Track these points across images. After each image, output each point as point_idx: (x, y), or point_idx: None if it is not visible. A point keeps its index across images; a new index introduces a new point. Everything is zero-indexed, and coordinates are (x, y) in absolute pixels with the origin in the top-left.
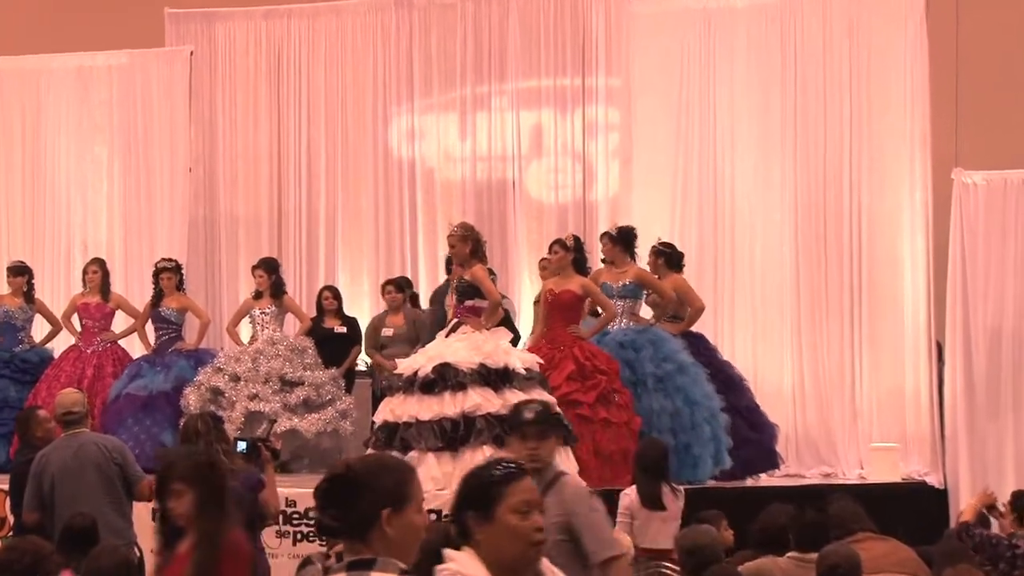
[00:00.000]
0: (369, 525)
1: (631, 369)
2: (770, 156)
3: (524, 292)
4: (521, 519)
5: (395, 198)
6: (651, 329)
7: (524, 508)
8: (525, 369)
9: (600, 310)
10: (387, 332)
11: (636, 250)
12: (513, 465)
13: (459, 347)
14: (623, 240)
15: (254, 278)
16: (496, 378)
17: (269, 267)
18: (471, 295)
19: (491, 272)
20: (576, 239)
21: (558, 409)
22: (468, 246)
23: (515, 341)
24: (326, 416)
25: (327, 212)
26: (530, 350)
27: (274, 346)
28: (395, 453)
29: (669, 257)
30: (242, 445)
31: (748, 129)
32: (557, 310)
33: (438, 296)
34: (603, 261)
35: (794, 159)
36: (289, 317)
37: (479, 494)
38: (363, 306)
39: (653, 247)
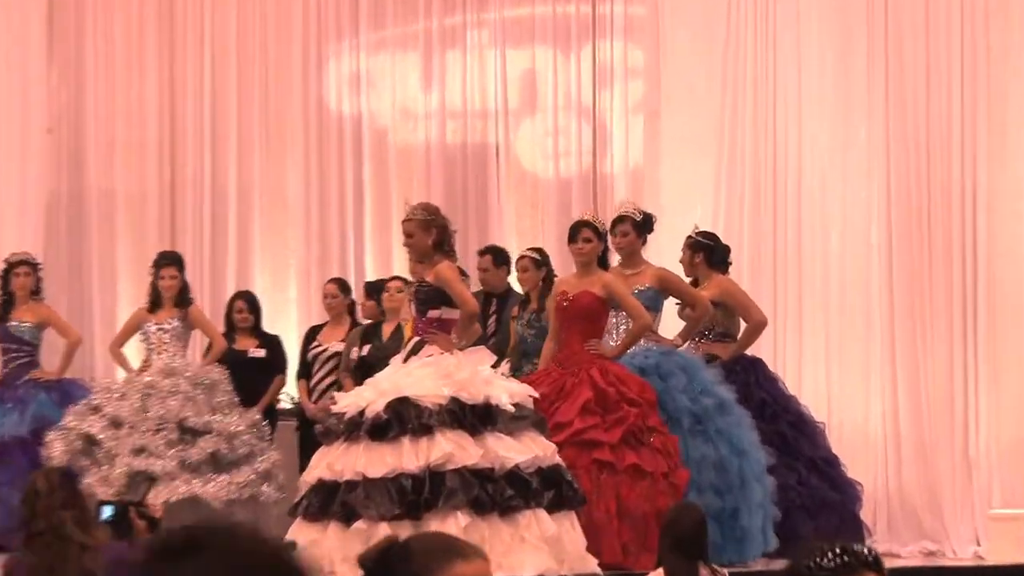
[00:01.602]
0: None
1: (658, 404)
2: (852, 114)
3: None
4: None
5: (333, 170)
6: (678, 352)
7: None
8: (514, 405)
9: (614, 321)
10: (353, 354)
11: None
12: (851, 555)
13: (422, 376)
14: (648, 228)
15: (159, 280)
16: (474, 418)
17: (181, 264)
18: (436, 302)
19: (463, 273)
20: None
21: (558, 460)
22: (430, 236)
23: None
24: (240, 478)
25: (239, 189)
26: (535, 377)
27: (171, 379)
28: (334, 524)
29: (711, 252)
30: (108, 511)
31: (821, 77)
32: (572, 319)
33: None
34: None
35: (885, 119)
36: (196, 336)
37: None
38: (288, 319)
39: (689, 238)
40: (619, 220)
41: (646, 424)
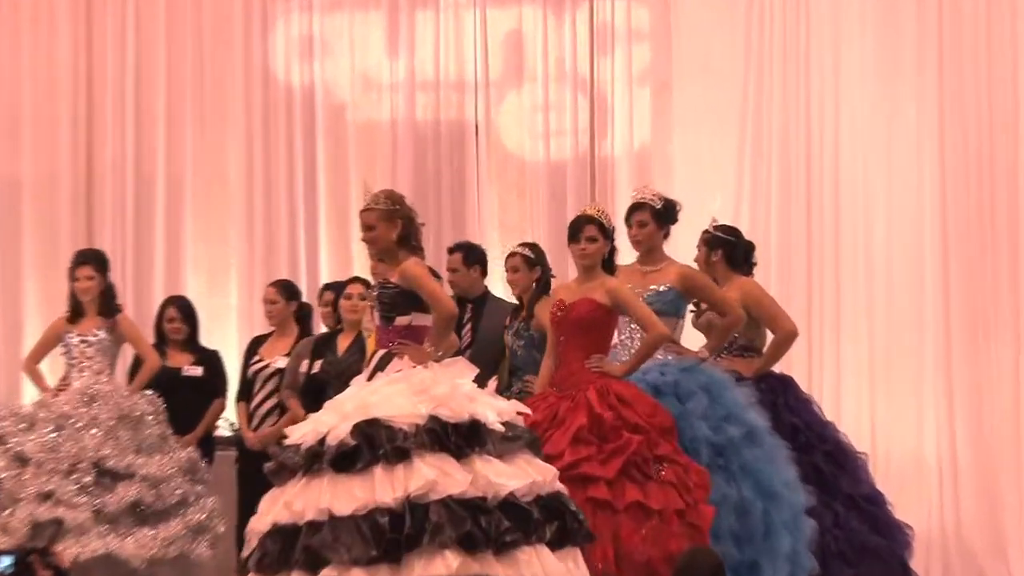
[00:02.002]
0: None
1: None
2: (899, 84)
3: None
4: None
5: (282, 151)
6: (702, 368)
7: None
8: (504, 423)
9: (628, 334)
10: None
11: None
12: None
13: (392, 393)
14: (670, 218)
15: (74, 282)
16: (459, 439)
17: (102, 263)
18: (403, 307)
19: (434, 274)
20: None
21: (559, 486)
22: (394, 229)
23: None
24: (167, 533)
25: (169, 174)
26: (529, 403)
27: (90, 407)
28: (296, 574)
29: (731, 249)
30: (6, 561)
31: (863, 39)
32: (570, 333)
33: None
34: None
35: (938, 89)
36: (125, 349)
37: None
38: (229, 329)
39: (705, 233)
40: (636, 208)
41: (653, 453)
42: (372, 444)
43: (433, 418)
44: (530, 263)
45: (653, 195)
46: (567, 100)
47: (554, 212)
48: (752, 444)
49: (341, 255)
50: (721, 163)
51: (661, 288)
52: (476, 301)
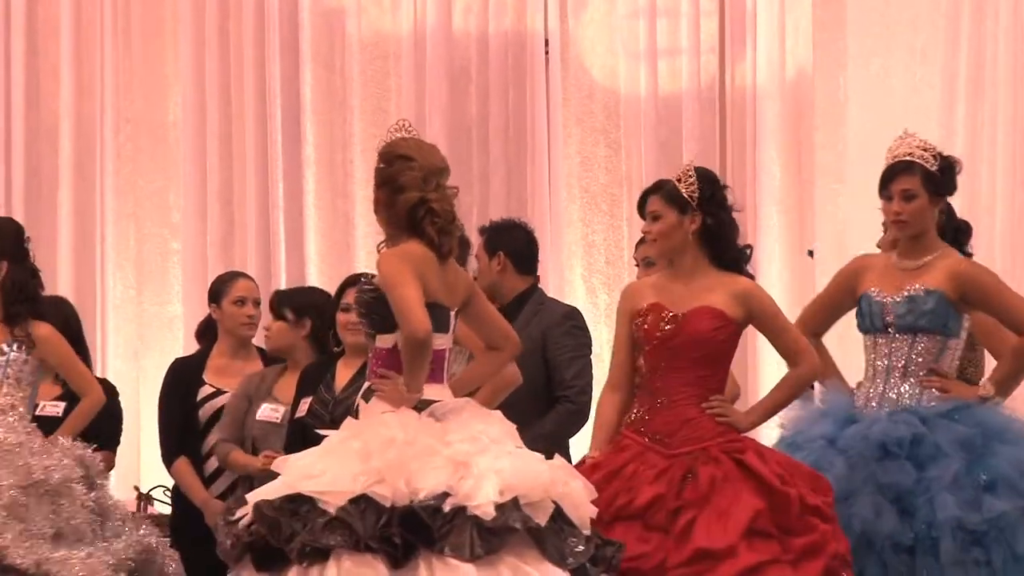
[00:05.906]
0: None
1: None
2: None
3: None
4: None
5: (248, 78)
6: (975, 412)
7: None
8: (501, 506)
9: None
10: (271, 413)
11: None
12: None
13: (345, 454)
14: (947, 187)
15: None
16: (402, 531)
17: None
18: (384, 321)
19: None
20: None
21: None
22: (388, 198)
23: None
24: None
25: (78, 112)
26: (595, 462)
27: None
28: None
29: (953, 231)
30: None
31: None
32: (682, 358)
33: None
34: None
35: None
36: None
37: None
38: (170, 349)
39: None
40: (900, 170)
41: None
42: (278, 531)
43: (365, 500)
44: None
45: (925, 150)
46: (684, 2)
47: (664, 170)
48: None
49: (338, 240)
50: (921, 100)
51: (916, 291)
52: (508, 308)
